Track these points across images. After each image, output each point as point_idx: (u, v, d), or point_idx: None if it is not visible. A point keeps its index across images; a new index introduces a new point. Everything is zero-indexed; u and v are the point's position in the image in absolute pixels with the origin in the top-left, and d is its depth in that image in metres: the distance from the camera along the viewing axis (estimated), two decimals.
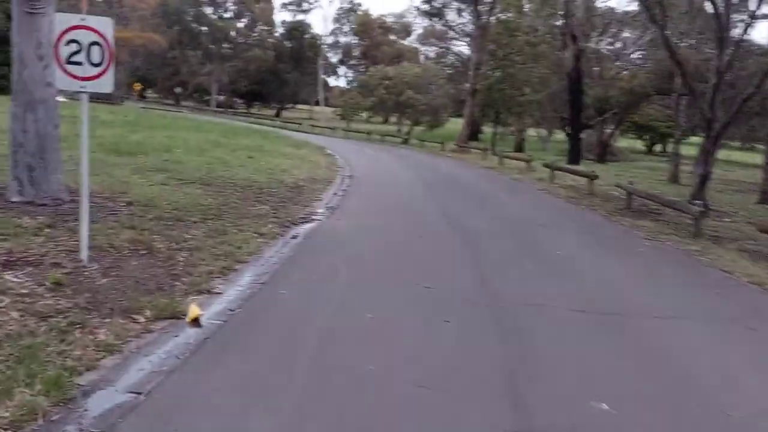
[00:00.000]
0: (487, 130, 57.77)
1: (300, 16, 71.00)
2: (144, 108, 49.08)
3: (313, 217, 9.86)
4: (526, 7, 42.03)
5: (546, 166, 20.18)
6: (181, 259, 6.30)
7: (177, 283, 5.56)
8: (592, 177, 16.39)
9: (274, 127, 45.95)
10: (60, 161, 7.89)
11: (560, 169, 19.65)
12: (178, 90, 68.56)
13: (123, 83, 56.12)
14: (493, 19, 38.85)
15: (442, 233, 9.44)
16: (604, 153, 39.49)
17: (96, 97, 53.17)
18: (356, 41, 77.40)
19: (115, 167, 10.94)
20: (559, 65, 38.58)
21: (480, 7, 37.62)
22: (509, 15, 41.03)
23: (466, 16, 51.45)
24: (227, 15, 69.49)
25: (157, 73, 72.56)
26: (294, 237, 8.20)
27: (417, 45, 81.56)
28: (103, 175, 9.90)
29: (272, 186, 12.22)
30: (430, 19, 44.75)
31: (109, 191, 8.49)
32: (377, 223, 9.88)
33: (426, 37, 72.26)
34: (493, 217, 11.65)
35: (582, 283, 6.99)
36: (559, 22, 37.37)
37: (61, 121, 7.92)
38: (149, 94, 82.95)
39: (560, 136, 53.45)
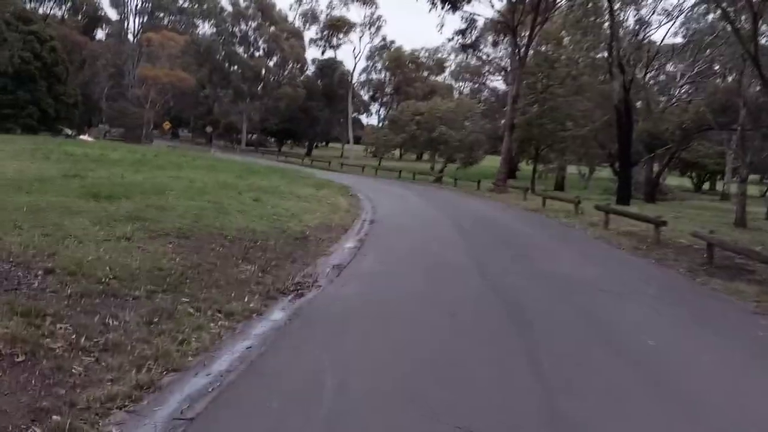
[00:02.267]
0: (525, 167, 55.30)
1: (329, 53, 70.17)
2: (171, 146, 48.15)
3: (312, 281, 7.56)
4: (566, 39, 39.92)
5: (598, 208, 17.57)
6: (76, 370, 4.05)
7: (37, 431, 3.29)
8: (658, 223, 13.75)
9: (302, 165, 44.35)
10: None
11: (616, 212, 17.01)
12: (209, 129, 67.99)
13: (152, 122, 55.70)
14: (531, 53, 36.70)
15: (481, 309, 7.00)
16: (654, 192, 36.47)
17: (125, 137, 52.87)
18: (388, 77, 76.26)
19: (75, 216, 8.88)
20: (604, 97, 36.20)
21: (518, 39, 35.48)
22: (548, 47, 38.98)
23: (502, 50, 49.64)
24: (258, 53, 69.13)
25: (190, 112, 72.46)
26: (273, 319, 5.89)
27: (451, 81, 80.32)
28: (48, 227, 7.82)
29: (271, 237, 9.99)
30: (465, 52, 42.80)
31: (31, 253, 6.35)
32: (394, 292, 7.51)
33: (460, 73, 70.77)
34: (545, 276, 9.17)
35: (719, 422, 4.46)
36: (600, 54, 35.21)
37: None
38: (183, 133, 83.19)
39: (603, 173, 50.66)
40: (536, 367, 5.03)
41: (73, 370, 4.04)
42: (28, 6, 50.01)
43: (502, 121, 44.40)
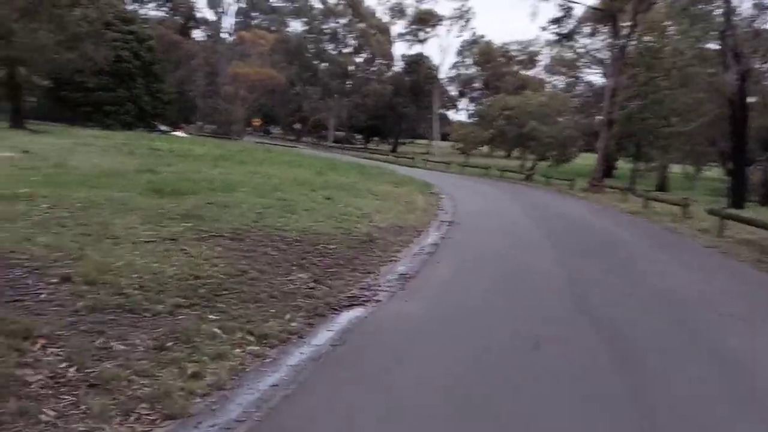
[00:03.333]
0: (623, 166, 51.73)
1: (416, 47, 69.11)
2: (259, 142, 48.86)
3: (371, 295, 6.53)
4: (672, 29, 36.62)
5: (713, 212, 15.43)
6: (45, 417, 3.21)
7: None
8: None
9: (386, 162, 43.60)
10: None
11: (734, 218, 14.85)
12: (297, 126, 68.89)
13: (242, 118, 56.93)
14: (632, 43, 33.96)
15: (572, 338, 5.70)
16: None
17: (216, 133, 54.33)
18: (477, 72, 74.30)
19: (127, 213, 8.33)
20: (713, 90, 32.93)
21: (618, 28, 32.91)
22: (650, 37, 35.92)
23: (599, 42, 46.63)
24: (346, 50, 69.15)
25: (281, 109, 73.76)
26: (314, 344, 4.90)
27: (543, 75, 77.13)
28: (92, 225, 7.26)
29: (334, 239, 9.06)
30: (559, 42, 40.36)
31: (55, 256, 5.71)
32: (466, 312, 6.33)
33: (553, 66, 67.76)
34: (652, 295, 7.67)
35: None
36: (710, 44, 31.98)
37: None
38: (274, 130, 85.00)
39: (710, 173, 46.48)
40: (647, 421, 3.72)
41: (41, 417, 3.20)
42: (129, 8, 52.28)
43: (598, 117, 41.70)
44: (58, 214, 7.74)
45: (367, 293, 6.55)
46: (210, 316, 4.98)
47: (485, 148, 59.36)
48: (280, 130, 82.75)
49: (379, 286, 6.99)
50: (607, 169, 39.08)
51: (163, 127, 44.72)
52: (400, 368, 4.53)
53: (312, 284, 6.57)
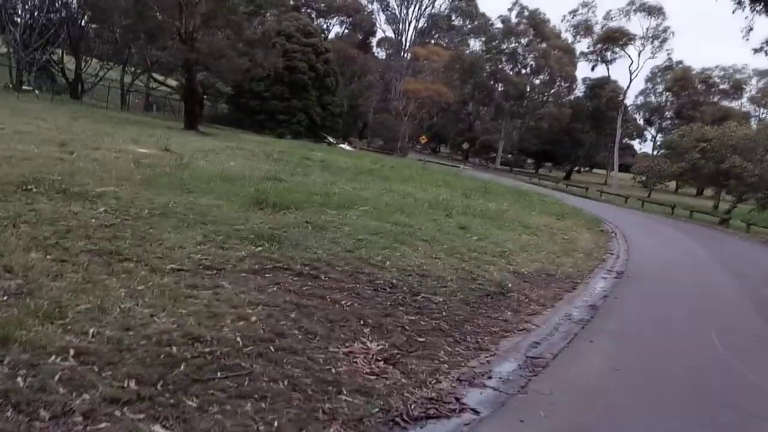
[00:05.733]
0: None
1: (600, 69, 63.66)
2: (422, 160, 47.59)
3: (466, 395, 4.09)
4: None
5: None
6: None
7: None
8: None
9: (554, 190, 39.86)
10: None
11: None
12: (465, 145, 66.85)
13: (408, 135, 56.23)
14: None
15: None
16: None
17: (383, 148, 54.21)
18: (669, 99, 66.95)
19: (194, 227, 6.73)
20: None
21: None
22: None
23: None
24: (524, 71, 65.87)
25: (452, 128, 72.38)
26: None
27: (750, 107, 67.64)
28: (126, 240, 5.68)
29: (446, 287, 6.69)
30: None
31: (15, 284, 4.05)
32: None
33: (764, 97, 58.85)
34: None
35: None
36: None
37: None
38: (443, 149, 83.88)
39: None
40: None
41: None
42: (314, 23, 54.18)
43: None
44: (103, 220, 6.31)
45: (459, 394, 4.12)
46: (157, 429, 2.91)
47: (672, 184, 52.61)
48: (448, 149, 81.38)
49: (489, 376, 4.51)
50: None
51: (331, 139, 45.20)
52: None
53: (379, 365, 4.29)
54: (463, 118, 71.35)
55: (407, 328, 5.19)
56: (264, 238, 6.82)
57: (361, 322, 5.03)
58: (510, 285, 7.57)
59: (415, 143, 61.13)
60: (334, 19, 62.07)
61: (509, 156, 73.89)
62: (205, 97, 37.98)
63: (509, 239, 11.08)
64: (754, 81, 64.87)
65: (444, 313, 5.84)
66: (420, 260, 7.59)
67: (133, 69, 45.13)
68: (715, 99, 66.35)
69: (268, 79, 39.04)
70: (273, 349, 4.07)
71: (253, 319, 4.49)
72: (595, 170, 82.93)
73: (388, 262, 7.05)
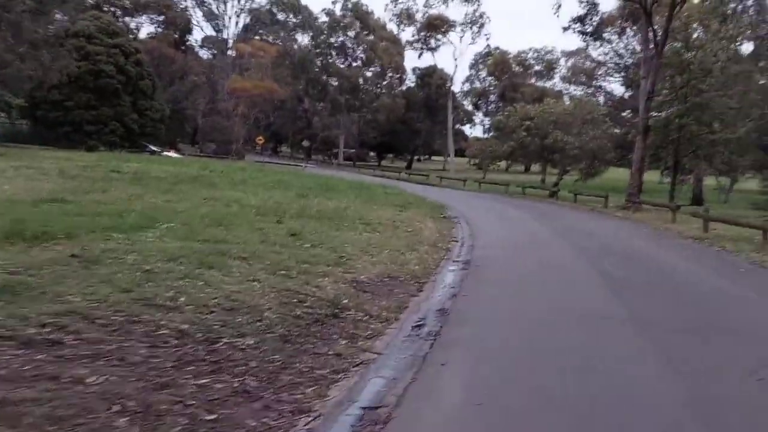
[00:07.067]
0: (649, 179, 46.79)
1: (426, 56, 65.62)
2: (260, 162, 45.33)
3: None
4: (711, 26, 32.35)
5: None
6: None
7: None
8: None
9: (397, 180, 39.69)
10: None
11: None
12: (305, 143, 65.24)
13: (242, 137, 53.45)
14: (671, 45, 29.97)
15: None
16: None
17: (216, 152, 50.91)
18: (492, 83, 70.63)
19: None
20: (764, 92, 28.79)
21: (652, 22, 28.85)
22: (690, 30, 31.77)
23: (626, 41, 42.60)
24: (355, 64, 65.66)
25: (289, 127, 70.29)
26: None
27: (562, 86, 73.33)
28: None
29: (264, 320, 5.15)
30: (585, 42, 36.40)
31: None
32: None
33: (573, 76, 63.90)
34: None
35: None
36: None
37: None
38: (283, 149, 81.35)
39: (746, 185, 41.92)
40: None
41: None
42: (119, 21, 49.24)
43: (619, 129, 37.70)
44: None
45: None
46: None
47: (503, 164, 55.28)
48: (288, 148, 79.19)
49: None
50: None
51: (153, 148, 41.20)
52: None
53: None
54: (300, 116, 69.58)
55: (192, 401, 3.58)
56: None
57: (116, 408, 3.33)
58: (346, 301, 6.22)
59: (253, 145, 58.41)
60: (143, 17, 57.09)
61: (351, 150, 73.60)
62: None
63: (348, 241, 9.78)
64: (562, 61, 70.36)
65: (253, 363, 4.30)
66: (231, 287, 5.96)
67: None
68: (532, 81, 71.11)
69: (69, 86, 34.38)
70: None
71: None
72: (434, 158, 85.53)
73: (182, 299, 5.32)
